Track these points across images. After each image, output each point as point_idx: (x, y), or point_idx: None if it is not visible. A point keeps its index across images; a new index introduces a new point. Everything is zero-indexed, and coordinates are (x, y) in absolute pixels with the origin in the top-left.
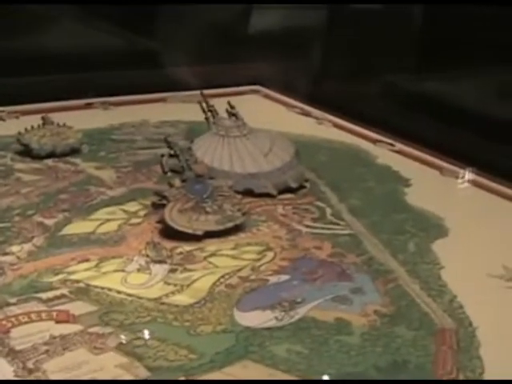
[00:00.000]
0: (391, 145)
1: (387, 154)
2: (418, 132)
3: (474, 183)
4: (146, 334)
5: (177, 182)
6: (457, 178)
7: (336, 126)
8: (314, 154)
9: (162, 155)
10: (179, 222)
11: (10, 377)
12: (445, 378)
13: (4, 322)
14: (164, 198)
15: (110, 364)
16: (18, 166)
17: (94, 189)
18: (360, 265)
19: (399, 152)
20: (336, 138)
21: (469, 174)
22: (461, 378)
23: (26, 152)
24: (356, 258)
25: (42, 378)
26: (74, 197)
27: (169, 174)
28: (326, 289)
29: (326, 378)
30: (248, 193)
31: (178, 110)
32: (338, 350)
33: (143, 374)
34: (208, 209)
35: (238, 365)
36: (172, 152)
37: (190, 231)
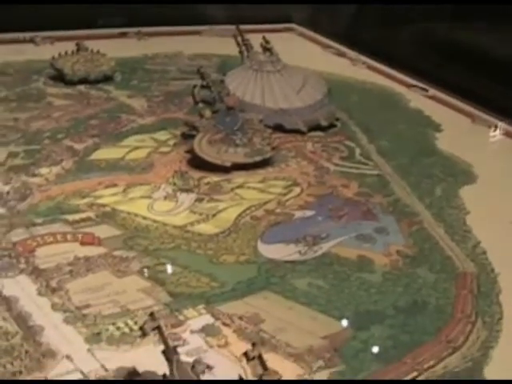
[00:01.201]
0: (425, 90)
1: (420, 98)
2: (453, 80)
3: (505, 133)
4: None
5: (207, 113)
6: (488, 127)
7: (370, 68)
8: (346, 94)
9: (194, 86)
10: (208, 153)
11: (34, 295)
12: (463, 322)
13: (29, 242)
14: (194, 128)
15: (133, 287)
16: (51, 90)
17: (125, 116)
18: (386, 205)
19: (432, 98)
20: (369, 79)
21: (500, 124)
22: (479, 322)
23: (59, 77)
24: (382, 198)
25: (65, 297)
26: (104, 123)
27: (200, 104)
28: (351, 227)
29: (344, 314)
30: (278, 128)
31: (212, 43)
32: (358, 287)
33: (165, 298)
34: (237, 141)
35: (259, 295)
36: (204, 83)
37: (218, 162)
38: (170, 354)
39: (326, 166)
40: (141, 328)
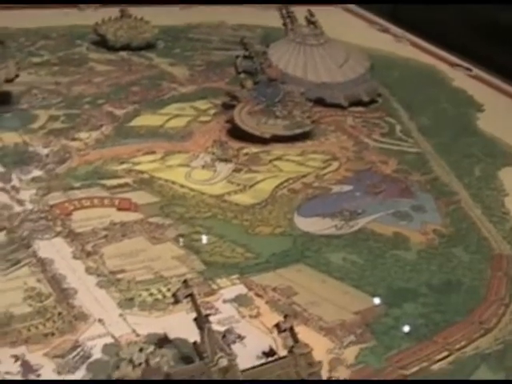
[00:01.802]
0: (468, 69)
1: (463, 77)
2: (497, 60)
3: None
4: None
5: (249, 83)
6: None
7: (414, 45)
8: (388, 71)
9: (237, 56)
10: (248, 124)
11: (69, 257)
12: (497, 304)
13: (66, 205)
14: (235, 98)
15: (167, 254)
16: (93, 55)
17: (166, 84)
18: (424, 183)
19: (476, 77)
20: (413, 57)
21: None
22: None
23: (102, 43)
24: (421, 176)
25: (99, 261)
26: (145, 90)
27: (242, 75)
28: (388, 203)
29: (378, 290)
30: (319, 102)
31: (256, 14)
32: (393, 264)
33: (199, 267)
34: (277, 113)
35: (293, 268)
36: (247, 54)
37: (257, 133)
38: (201, 322)
39: (366, 141)
40: (173, 295)
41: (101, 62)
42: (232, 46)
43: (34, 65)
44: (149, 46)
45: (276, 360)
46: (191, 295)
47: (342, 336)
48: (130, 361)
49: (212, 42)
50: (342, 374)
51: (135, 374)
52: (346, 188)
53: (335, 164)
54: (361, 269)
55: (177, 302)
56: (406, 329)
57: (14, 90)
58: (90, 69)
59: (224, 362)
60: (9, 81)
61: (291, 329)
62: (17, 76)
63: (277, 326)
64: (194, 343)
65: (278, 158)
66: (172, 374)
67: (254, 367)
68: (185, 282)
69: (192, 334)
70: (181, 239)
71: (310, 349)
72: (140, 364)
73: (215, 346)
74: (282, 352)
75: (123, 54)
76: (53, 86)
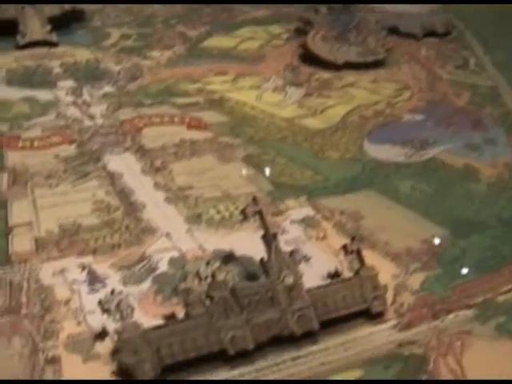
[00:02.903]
0: None
1: None
2: None
3: None
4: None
5: (323, 8)
6: None
7: None
8: (465, 3)
9: None
10: (321, 49)
11: (138, 172)
12: None
13: (137, 121)
14: (308, 23)
15: (236, 174)
16: None
17: (238, 7)
18: (496, 117)
19: None
20: None
21: None
22: None
23: None
24: (493, 109)
25: (168, 177)
26: (217, 12)
27: None
28: (459, 135)
29: (446, 220)
30: (393, 31)
31: None
32: (462, 195)
33: (267, 187)
34: (351, 40)
35: (361, 193)
36: None
37: (330, 59)
38: (269, 239)
39: (439, 72)
40: (242, 211)
41: None
42: None
43: None
44: None
45: (342, 281)
46: (260, 212)
47: (407, 262)
48: (197, 274)
49: None
50: (407, 299)
51: (201, 288)
52: (418, 118)
53: (407, 93)
54: (429, 198)
55: (245, 218)
56: (473, 260)
57: (88, 7)
58: None
59: (290, 280)
60: None
61: (358, 251)
62: None
63: (344, 247)
64: (261, 260)
65: (350, 85)
66: (237, 289)
67: (319, 287)
68: (254, 199)
69: (258, 252)
70: (250, 158)
71: (376, 272)
72: (206, 278)
73: (282, 264)
74: (348, 275)
75: None
76: (125, 5)
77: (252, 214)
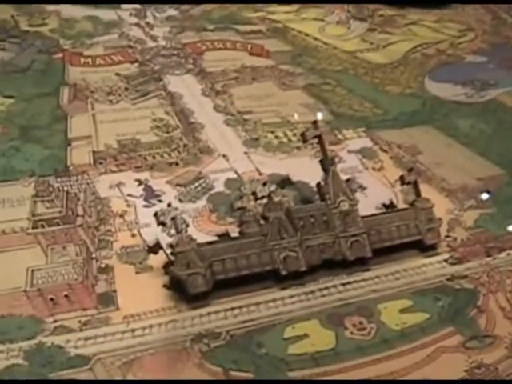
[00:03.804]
0: None
1: None
2: None
3: None
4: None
5: None
6: None
7: None
8: None
9: None
10: None
11: (198, 94)
12: None
13: (199, 45)
14: None
15: (296, 101)
16: None
17: None
18: None
19: None
20: None
21: None
22: None
23: None
24: None
25: (228, 101)
26: None
27: None
28: None
29: (503, 160)
30: None
31: None
32: None
33: (326, 116)
34: None
35: (420, 129)
36: None
37: None
38: (327, 164)
39: (504, 17)
40: (302, 134)
41: None
42: None
43: None
44: None
45: (398, 211)
46: (319, 136)
47: (463, 199)
48: (253, 193)
49: None
50: (460, 234)
51: (257, 207)
52: (480, 59)
53: (471, 35)
54: (488, 138)
55: (304, 141)
56: None
57: None
58: None
59: (345, 206)
60: None
61: (415, 182)
62: None
63: (401, 178)
64: (318, 184)
65: (414, 23)
66: (292, 210)
67: (374, 215)
68: (314, 123)
69: (314, 179)
70: (310, 87)
71: (432, 204)
72: (263, 197)
73: (338, 189)
74: (402, 206)
75: None
76: None
77: (311, 138)
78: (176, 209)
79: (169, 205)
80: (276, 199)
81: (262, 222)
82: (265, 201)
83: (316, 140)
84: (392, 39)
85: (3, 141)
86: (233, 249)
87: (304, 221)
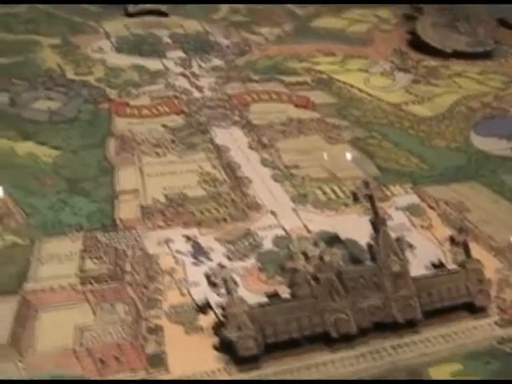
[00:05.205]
0: None
1: None
2: None
3: None
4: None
5: None
6: None
7: None
8: None
9: None
10: (430, 36)
11: (245, 147)
12: None
13: (245, 96)
14: (418, 10)
15: (342, 155)
16: None
17: None
18: None
19: None
20: None
21: None
22: None
23: None
24: None
25: (275, 155)
26: None
27: None
28: None
29: None
30: (503, 23)
31: None
32: None
33: (373, 171)
34: (461, 29)
35: (466, 185)
36: None
37: (439, 47)
38: (378, 224)
39: None
40: (353, 193)
41: None
42: None
43: None
44: None
45: (448, 272)
46: (370, 196)
47: (511, 258)
48: (304, 253)
49: None
50: (510, 296)
51: (307, 268)
52: None
53: None
54: None
55: (356, 200)
56: None
57: None
58: None
59: (396, 267)
60: None
61: (465, 243)
62: None
63: (451, 238)
64: (369, 245)
65: (458, 74)
66: (343, 271)
67: (425, 276)
68: (366, 182)
69: (363, 236)
70: (357, 141)
71: (482, 265)
72: (313, 258)
73: (389, 250)
74: (451, 266)
75: None
76: None
77: (363, 197)
78: (225, 268)
79: (219, 265)
80: (326, 259)
81: (312, 282)
82: (316, 261)
83: (367, 199)
84: (436, 91)
85: (50, 193)
86: (284, 311)
87: (355, 282)
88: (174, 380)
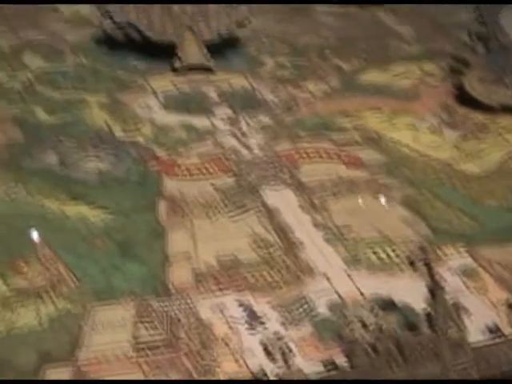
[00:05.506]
0: None
1: None
2: None
3: None
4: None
5: (480, 49)
6: None
7: None
8: None
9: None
10: (478, 91)
11: (296, 209)
12: None
13: (294, 155)
14: (464, 63)
15: (393, 215)
16: (320, 7)
17: (392, 42)
18: None
19: None
20: None
21: None
22: None
23: None
24: None
25: (327, 216)
26: (371, 46)
27: (473, 40)
28: None
29: None
30: None
31: None
32: None
33: (425, 231)
34: (508, 83)
35: None
36: (480, 19)
37: (487, 102)
38: (436, 290)
39: None
40: (409, 260)
41: (327, 13)
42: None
43: (260, 10)
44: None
45: (505, 339)
46: (428, 263)
47: None
48: (361, 320)
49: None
50: None
51: (365, 336)
52: None
53: None
54: None
55: (412, 265)
56: None
57: (242, 34)
58: (317, 20)
59: (454, 335)
60: (241, 26)
61: None
62: (249, 22)
63: (507, 302)
64: (426, 312)
65: (507, 130)
66: (402, 341)
67: (483, 344)
68: (423, 248)
69: (418, 301)
70: (407, 200)
71: None
72: (370, 326)
73: (446, 317)
74: (507, 329)
75: (350, 7)
76: (280, 34)
77: (419, 263)
78: (282, 336)
79: (276, 334)
80: (384, 327)
81: (371, 353)
82: (373, 329)
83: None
84: (485, 147)
85: (101, 256)
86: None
87: (412, 351)
88: (176, 380)
